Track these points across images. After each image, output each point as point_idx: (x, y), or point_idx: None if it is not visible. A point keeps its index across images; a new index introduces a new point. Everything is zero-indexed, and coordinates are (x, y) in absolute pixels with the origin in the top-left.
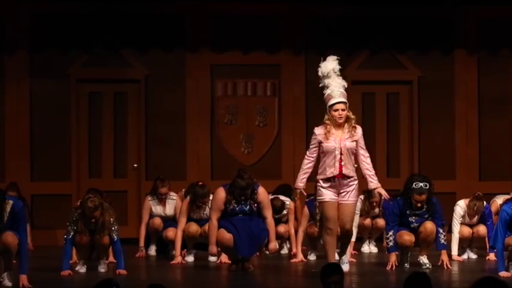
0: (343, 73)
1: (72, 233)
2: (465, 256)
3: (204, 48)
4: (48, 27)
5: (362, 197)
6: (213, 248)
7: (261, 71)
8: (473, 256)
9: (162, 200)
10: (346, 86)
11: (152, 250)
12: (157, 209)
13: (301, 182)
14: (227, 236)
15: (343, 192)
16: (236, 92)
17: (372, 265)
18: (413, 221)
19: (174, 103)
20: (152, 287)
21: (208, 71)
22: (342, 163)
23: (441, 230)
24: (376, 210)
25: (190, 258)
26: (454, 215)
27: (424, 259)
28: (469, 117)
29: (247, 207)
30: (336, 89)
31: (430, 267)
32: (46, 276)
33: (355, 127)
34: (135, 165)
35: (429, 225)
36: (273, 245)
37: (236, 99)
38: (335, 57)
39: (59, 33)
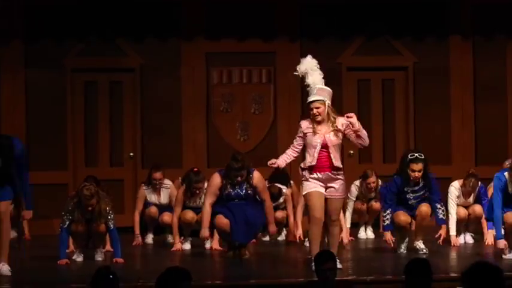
0: (338, 59)
1: (67, 222)
2: (462, 240)
3: (199, 36)
4: (43, 17)
5: (358, 182)
6: (205, 232)
7: (256, 58)
8: (471, 240)
9: (156, 189)
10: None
11: (149, 238)
12: (152, 197)
13: (280, 159)
14: (224, 221)
15: (331, 187)
16: (231, 80)
17: (368, 251)
18: (411, 197)
19: (169, 92)
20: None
21: (203, 59)
22: (332, 156)
23: (439, 206)
24: (372, 194)
25: (187, 246)
26: (449, 196)
27: (420, 244)
28: (464, 102)
29: (243, 192)
30: (313, 86)
31: (427, 252)
32: (43, 266)
33: (334, 121)
34: (131, 154)
35: (424, 208)
36: (272, 227)
37: (231, 87)
38: (310, 57)
39: (53, 23)
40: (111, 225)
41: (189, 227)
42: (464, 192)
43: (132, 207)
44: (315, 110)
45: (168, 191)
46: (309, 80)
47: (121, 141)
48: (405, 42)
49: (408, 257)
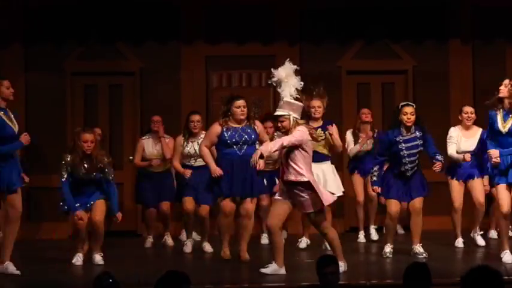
0: (338, 63)
1: (66, 175)
2: (478, 241)
3: (198, 40)
4: (43, 21)
5: (349, 131)
6: (216, 169)
7: (256, 62)
8: (482, 243)
9: (155, 140)
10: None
11: (149, 243)
12: (150, 147)
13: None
14: (231, 204)
15: (296, 204)
16: (231, 83)
17: (368, 254)
18: (403, 148)
19: (169, 95)
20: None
21: (203, 62)
22: (284, 169)
23: (437, 156)
24: (370, 144)
25: (188, 249)
26: (447, 140)
27: (419, 248)
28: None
29: (245, 136)
30: (282, 99)
31: (427, 256)
32: (43, 270)
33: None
34: (131, 157)
35: (417, 205)
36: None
37: (231, 90)
38: (288, 62)
39: (53, 26)
40: (110, 177)
41: (189, 218)
42: (464, 129)
43: (132, 210)
44: (279, 124)
45: (167, 141)
46: (280, 90)
47: (121, 144)
48: (405, 46)
49: (407, 261)
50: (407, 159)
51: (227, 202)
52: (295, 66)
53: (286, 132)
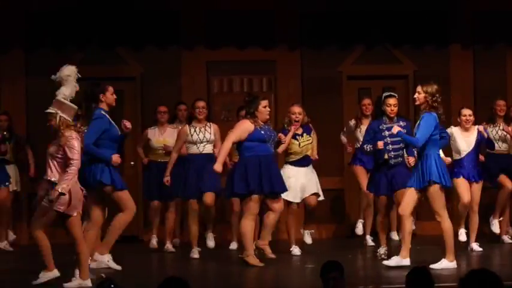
0: (339, 68)
1: None
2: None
3: (199, 45)
4: (43, 26)
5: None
6: (219, 167)
7: (257, 67)
8: (478, 249)
9: (161, 130)
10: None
11: (154, 241)
12: (156, 135)
13: None
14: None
15: None
16: (232, 89)
17: (367, 259)
18: (387, 135)
19: (170, 100)
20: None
21: (203, 68)
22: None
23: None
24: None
25: (195, 255)
26: None
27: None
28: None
29: (273, 134)
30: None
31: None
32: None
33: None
34: (132, 163)
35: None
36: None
37: (232, 95)
38: (71, 66)
39: (54, 31)
40: None
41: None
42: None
43: (134, 216)
44: (48, 123)
45: (174, 131)
46: (58, 90)
47: (121, 148)
48: (405, 51)
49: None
50: (390, 146)
51: (256, 202)
52: (76, 71)
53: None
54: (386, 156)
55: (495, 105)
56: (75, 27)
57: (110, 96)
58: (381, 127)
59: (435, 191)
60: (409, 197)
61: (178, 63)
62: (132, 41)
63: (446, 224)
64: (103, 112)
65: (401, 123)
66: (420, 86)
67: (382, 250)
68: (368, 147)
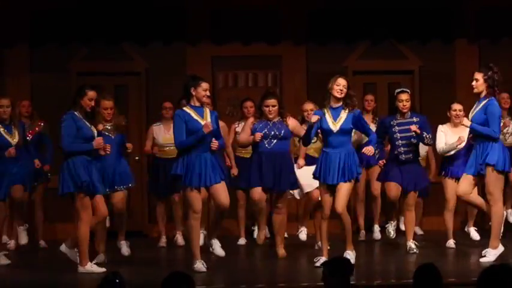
0: (344, 63)
1: None
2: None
3: (204, 40)
4: (48, 21)
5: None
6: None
7: (262, 62)
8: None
9: (166, 126)
10: None
11: (163, 241)
12: (162, 133)
13: None
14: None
15: None
16: (237, 84)
17: (372, 254)
18: (397, 131)
19: (175, 96)
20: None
21: (208, 63)
22: None
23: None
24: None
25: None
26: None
27: (411, 244)
28: (470, 106)
29: (276, 131)
30: None
31: (417, 251)
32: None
33: None
34: (137, 157)
35: (410, 198)
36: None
37: (237, 90)
38: None
39: (58, 27)
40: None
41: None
42: (453, 127)
43: (139, 211)
44: None
45: None
46: None
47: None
48: (411, 46)
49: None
50: (400, 141)
51: (255, 193)
52: None
53: None
54: (396, 152)
55: (499, 98)
56: (80, 22)
57: (201, 92)
58: (392, 122)
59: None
60: (496, 182)
61: (184, 59)
62: (137, 37)
63: (496, 207)
64: (74, 114)
65: (414, 118)
66: (478, 73)
67: (391, 227)
68: (377, 152)
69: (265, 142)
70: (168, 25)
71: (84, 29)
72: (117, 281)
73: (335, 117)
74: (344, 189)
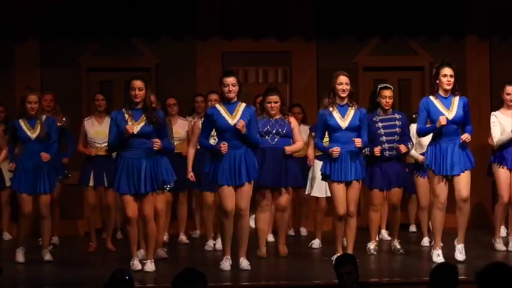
0: (354, 59)
1: None
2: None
3: (214, 36)
4: (59, 17)
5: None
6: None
7: (272, 58)
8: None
9: (172, 121)
10: None
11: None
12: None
13: None
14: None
15: None
16: (248, 80)
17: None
18: (380, 127)
19: (185, 91)
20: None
21: (219, 58)
22: None
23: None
24: None
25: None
26: (491, 126)
27: (397, 245)
28: (481, 102)
29: (278, 127)
30: None
31: (403, 252)
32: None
33: None
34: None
35: (395, 196)
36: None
37: (247, 86)
38: None
39: (69, 22)
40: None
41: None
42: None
43: None
44: None
45: (185, 123)
46: None
47: None
48: (421, 42)
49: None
50: (384, 137)
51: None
52: None
53: None
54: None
55: (504, 92)
56: (90, 17)
57: (224, 88)
58: (374, 118)
59: None
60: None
61: (194, 54)
62: (148, 32)
63: None
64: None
65: (396, 115)
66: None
67: (372, 245)
68: (366, 150)
69: (268, 138)
70: (179, 20)
71: (94, 24)
72: (127, 278)
73: (343, 114)
74: (356, 188)
